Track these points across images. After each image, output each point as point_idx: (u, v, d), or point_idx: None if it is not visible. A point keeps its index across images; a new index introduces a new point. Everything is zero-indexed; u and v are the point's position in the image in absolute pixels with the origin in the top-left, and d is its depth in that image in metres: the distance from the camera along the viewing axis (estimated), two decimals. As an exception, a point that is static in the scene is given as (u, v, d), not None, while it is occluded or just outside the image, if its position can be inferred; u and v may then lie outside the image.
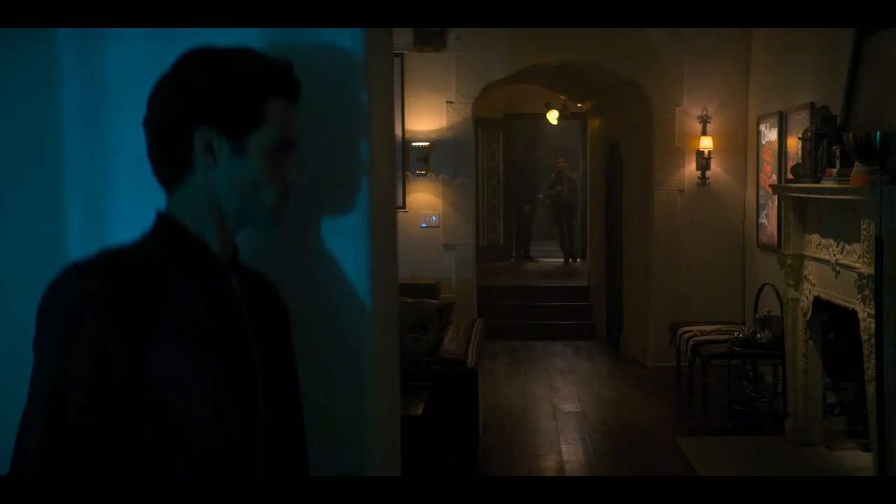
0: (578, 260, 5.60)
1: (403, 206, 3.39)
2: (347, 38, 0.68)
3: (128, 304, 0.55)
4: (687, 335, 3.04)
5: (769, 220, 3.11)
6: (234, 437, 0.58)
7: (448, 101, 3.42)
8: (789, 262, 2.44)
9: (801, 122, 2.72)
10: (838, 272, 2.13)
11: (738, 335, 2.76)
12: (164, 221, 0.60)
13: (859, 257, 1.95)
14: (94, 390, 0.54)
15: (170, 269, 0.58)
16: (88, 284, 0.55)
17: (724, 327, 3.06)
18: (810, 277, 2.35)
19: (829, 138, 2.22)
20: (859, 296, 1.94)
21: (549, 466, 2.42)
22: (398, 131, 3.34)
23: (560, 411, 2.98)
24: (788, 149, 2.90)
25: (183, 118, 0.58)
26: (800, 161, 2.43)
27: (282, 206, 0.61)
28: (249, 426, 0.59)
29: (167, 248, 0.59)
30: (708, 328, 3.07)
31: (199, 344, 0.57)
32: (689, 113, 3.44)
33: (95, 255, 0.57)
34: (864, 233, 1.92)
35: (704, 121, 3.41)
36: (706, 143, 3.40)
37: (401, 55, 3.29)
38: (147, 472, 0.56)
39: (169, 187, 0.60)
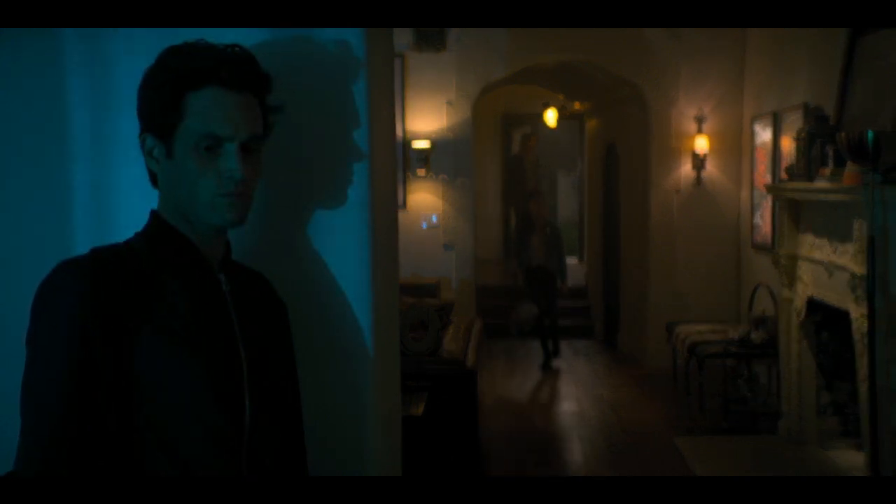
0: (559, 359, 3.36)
1: (404, 206, 3.39)
2: (347, 38, 0.69)
3: (113, 302, 0.55)
4: (683, 335, 3.05)
5: (763, 220, 3.12)
6: (218, 436, 0.58)
7: (448, 102, 3.43)
8: (783, 262, 2.45)
9: (794, 122, 2.73)
10: (831, 272, 2.14)
11: (733, 335, 2.78)
12: (155, 220, 0.61)
13: (852, 257, 1.96)
14: (79, 387, 0.54)
15: (158, 267, 0.59)
16: (75, 282, 0.55)
17: (719, 327, 3.08)
18: (804, 277, 2.36)
19: (822, 138, 2.23)
20: (852, 296, 1.95)
21: (547, 466, 2.44)
22: (398, 131, 3.35)
23: (559, 411, 3.00)
24: (782, 149, 2.91)
25: (140, 124, 0.60)
26: (794, 161, 2.45)
27: (228, 202, 0.58)
28: (233, 425, 0.58)
29: (155, 247, 0.59)
30: (703, 328, 3.08)
31: (183, 342, 0.57)
32: (686, 113, 3.45)
33: (87, 253, 0.58)
34: (857, 232, 1.93)
35: (700, 121, 3.43)
36: (702, 143, 3.41)
37: (401, 55, 3.29)
38: (133, 469, 0.56)
39: (156, 187, 0.62)
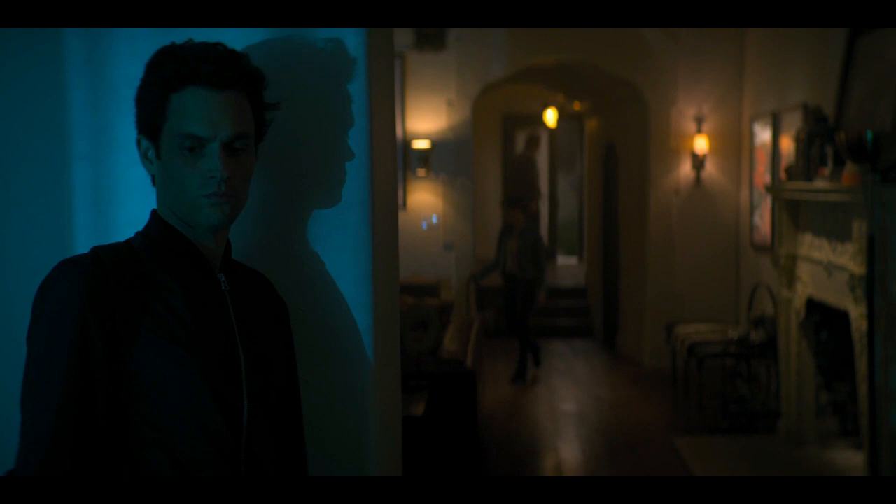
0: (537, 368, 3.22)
1: (404, 206, 3.40)
2: (348, 38, 0.69)
3: (111, 301, 0.56)
4: (682, 335, 3.07)
5: (763, 220, 3.13)
6: (216, 436, 0.58)
7: (448, 102, 3.43)
8: (782, 261, 2.46)
9: (793, 122, 2.74)
10: (831, 272, 2.14)
11: (732, 335, 2.79)
12: (155, 219, 0.61)
13: (851, 257, 1.97)
14: (79, 387, 0.54)
15: (156, 266, 0.59)
16: (73, 281, 0.55)
17: (718, 327, 3.09)
18: (803, 277, 2.36)
19: (821, 138, 2.23)
20: (851, 296, 1.95)
21: (547, 466, 2.45)
22: (398, 131, 3.34)
23: (558, 411, 3.00)
24: (781, 149, 2.92)
25: (136, 126, 0.61)
26: (793, 161, 2.45)
27: (212, 202, 0.58)
28: (230, 425, 0.59)
29: (155, 246, 0.60)
30: (703, 328, 3.09)
31: (181, 342, 0.57)
32: (685, 113, 3.46)
33: (87, 253, 0.58)
34: (856, 232, 1.93)
35: (699, 121, 3.44)
36: (701, 144, 3.42)
37: (401, 55, 3.30)
38: (133, 469, 0.56)
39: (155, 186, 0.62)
